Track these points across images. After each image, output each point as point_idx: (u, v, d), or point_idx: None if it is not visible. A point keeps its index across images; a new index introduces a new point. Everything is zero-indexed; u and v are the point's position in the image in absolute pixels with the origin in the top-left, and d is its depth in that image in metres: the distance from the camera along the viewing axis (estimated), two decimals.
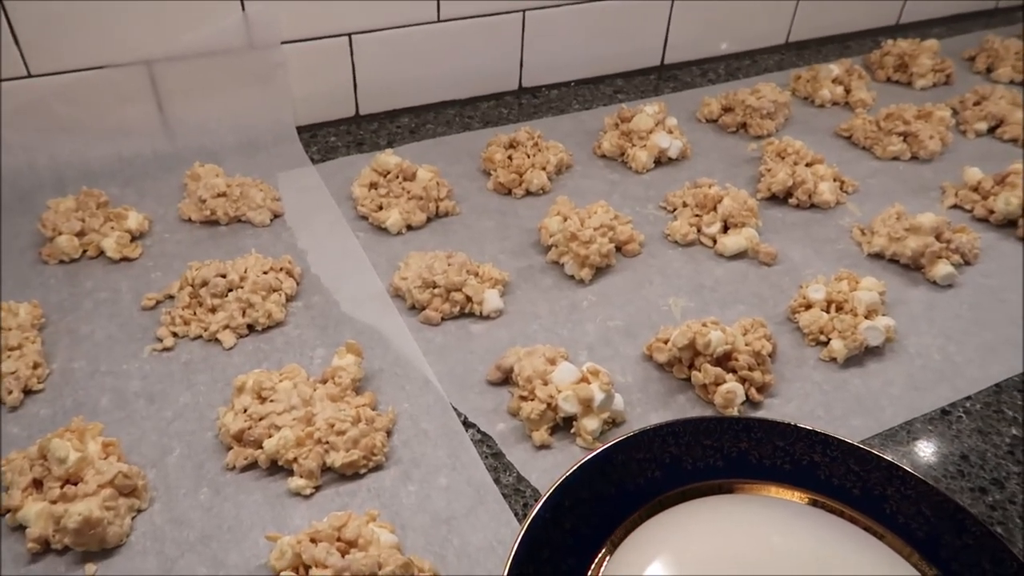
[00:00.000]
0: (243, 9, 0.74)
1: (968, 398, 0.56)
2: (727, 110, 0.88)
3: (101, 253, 0.65)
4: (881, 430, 0.54)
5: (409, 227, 0.70)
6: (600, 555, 0.42)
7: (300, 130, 0.82)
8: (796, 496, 0.46)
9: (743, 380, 0.54)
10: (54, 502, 0.45)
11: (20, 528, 0.45)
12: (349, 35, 0.79)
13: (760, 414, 0.54)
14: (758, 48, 1.04)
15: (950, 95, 0.93)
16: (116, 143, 0.74)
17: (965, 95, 0.91)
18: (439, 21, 0.82)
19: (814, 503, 0.46)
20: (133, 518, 0.46)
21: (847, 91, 0.92)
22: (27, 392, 0.53)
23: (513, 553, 0.41)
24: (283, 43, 0.77)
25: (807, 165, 0.76)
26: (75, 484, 0.45)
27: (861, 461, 0.47)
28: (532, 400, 0.52)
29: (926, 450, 0.53)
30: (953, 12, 1.15)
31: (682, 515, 0.45)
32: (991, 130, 0.87)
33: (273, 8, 0.75)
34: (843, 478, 0.47)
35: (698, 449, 0.48)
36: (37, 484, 0.46)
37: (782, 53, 1.04)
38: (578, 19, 0.89)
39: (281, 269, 0.62)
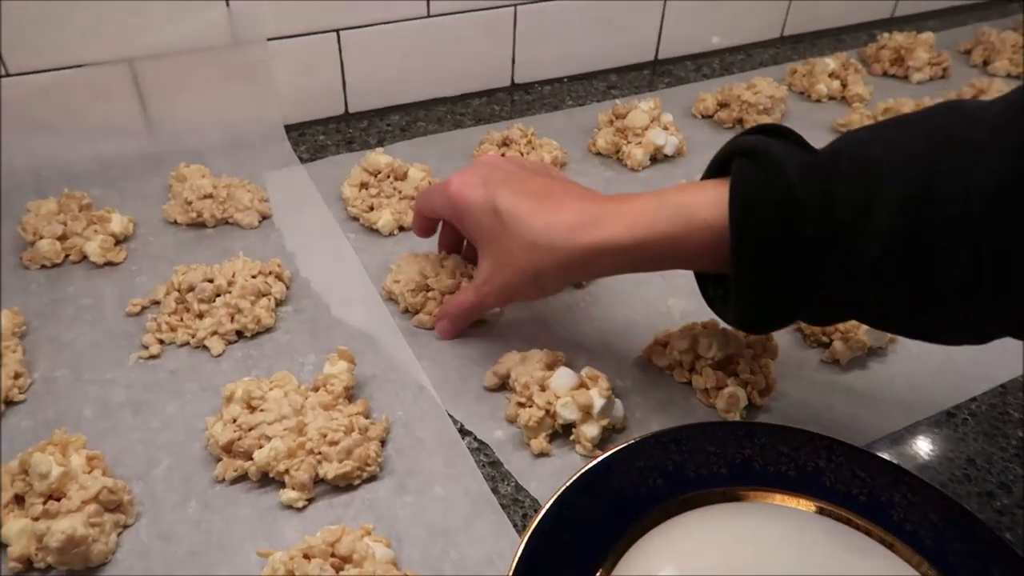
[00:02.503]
0: (227, 5, 0.72)
1: (973, 399, 0.55)
2: (723, 105, 0.86)
3: (84, 257, 0.63)
4: (885, 433, 0.52)
5: (401, 228, 0.68)
6: (603, 567, 0.41)
7: (288, 129, 0.80)
8: (802, 504, 0.45)
9: (745, 383, 0.53)
10: (36, 519, 0.43)
11: (1, 546, 0.43)
12: (337, 31, 0.78)
13: (762, 417, 0.53)
14: (752, 42, 1.03)
15: (947, 89, 0.92)
16: (98, 143, 0.72)
17: (962, 88, 0.90)
18: (429, 16, 0.80)
19: (821, 511, 0.45)
20: (119, 534, 0.44)
21: (843, 85, 0.91)
22: (8, 403, 0.52)
23: (514, 567, 0.40)
24: (269, 39, 0.75)
25: None
26: (58, 500, 0.44)
27: (867, 466, 0.46)
28: (530, 407, 0.50)
29: (931, 454, 0.52)
30: (947, 5, 1.14)
31: (686, 524, 0.44)
32: None
33: (259, 4, 0.73)
34: (849, 484, 0.46)
35: (701, 456, 0.47)
36: (19, 500, 0.45)
37: (777, 47, 1.03)
38: (571, 14, 0.87)
39: (270, 273, 0.60)
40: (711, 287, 0.50)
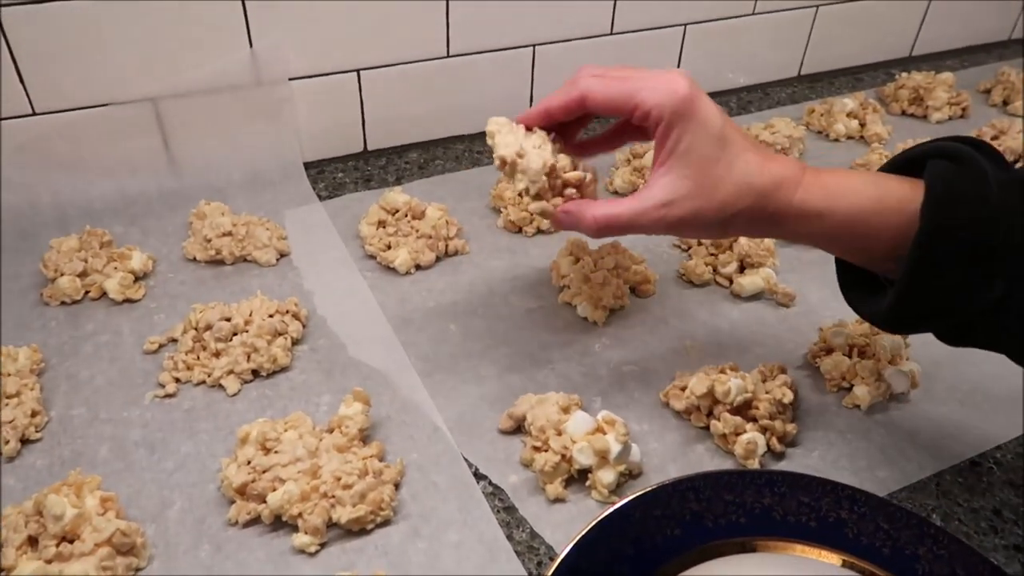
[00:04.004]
0: (251, 46, 0.73)
1: (998, 447, 0.54)
2: None
3: (103, 294, 0.63)
4: (908, 483, 0.51)
5: (418, 267, 0.68)
6: None
7: (307, 166, 0.81)
8: (823, 555, 0.44)
9: (764, 429, 0.52)
10: (49, 561, 0.43)
11: None
12: (357, 71, 0.79)
13: (782, 465, 0.52)
14: (770, 81, 1.03)
15: (966, 129, 0.92)
16: (120, 181, 0.73)
17: (982, 129, 0.89)
18: (448, 56, 0.81)
19: (844, 564, 0.44)
20: None
21: (862, 125, 0.91)
22: (24, 441, 0.52)
23: None
24: (291, 79, 0.76)
25: None
26: (71, 542, 0.44)
27: (891, 518, 0.45)
28: (546, 451, 0.50)
29: (956, 504, 0.50)
30: (966, 44, 1.14)
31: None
32: None
33: (281, 45, 0.74)
34: (872, 536, 0.45)
35: (719, 505, 0.46)
36: (32, 541, 0.44)
37: (794, 86, 1.03)
38: (589, 53, 0.88)
39: (287, 312, 0.60)
40: (852, 280, 0.49)
